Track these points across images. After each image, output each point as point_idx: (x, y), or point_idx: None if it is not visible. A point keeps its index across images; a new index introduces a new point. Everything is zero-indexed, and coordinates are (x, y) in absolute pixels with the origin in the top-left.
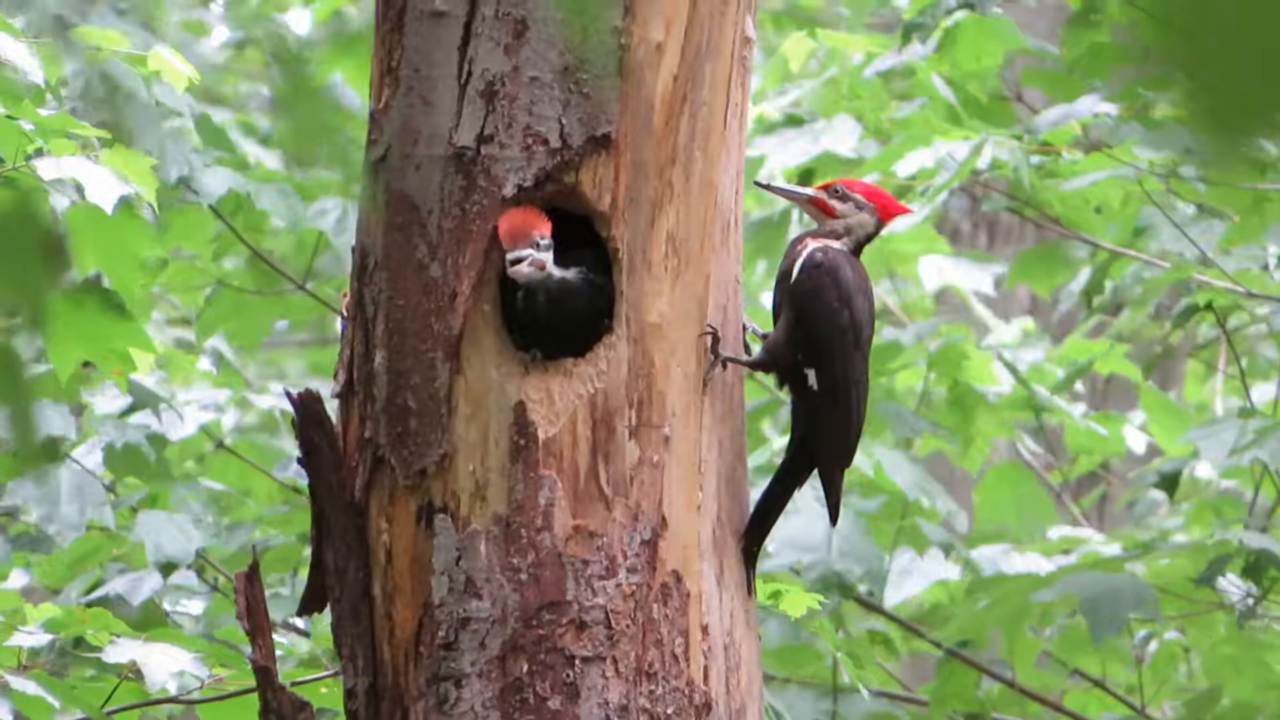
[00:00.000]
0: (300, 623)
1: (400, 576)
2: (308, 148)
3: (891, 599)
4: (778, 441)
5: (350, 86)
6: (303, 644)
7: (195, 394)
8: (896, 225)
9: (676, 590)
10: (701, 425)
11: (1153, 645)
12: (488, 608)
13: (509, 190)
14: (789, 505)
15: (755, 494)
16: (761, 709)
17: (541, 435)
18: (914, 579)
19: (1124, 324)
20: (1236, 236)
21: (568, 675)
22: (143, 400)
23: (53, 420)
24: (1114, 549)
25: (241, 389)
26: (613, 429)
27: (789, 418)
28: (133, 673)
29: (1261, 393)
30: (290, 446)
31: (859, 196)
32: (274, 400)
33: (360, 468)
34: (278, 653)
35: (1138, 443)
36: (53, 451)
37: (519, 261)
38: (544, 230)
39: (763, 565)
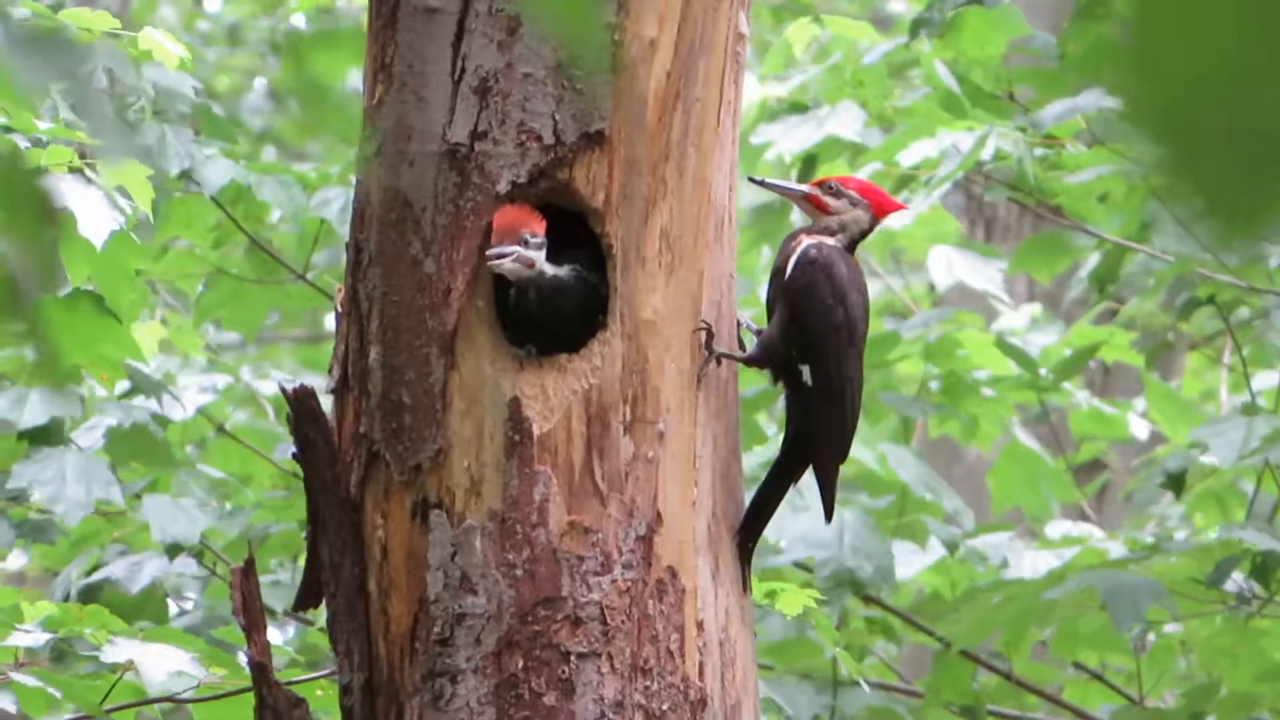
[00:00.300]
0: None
1: (395, 572)
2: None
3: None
4: (774, 437)
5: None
6: (303, 639)
7: (194, 378)
8: (891, 221)
9: (671, 586)
10: (696, 421)
11: (1150, 637)
12: (483, 603)
13: (503, 186)
14: (799, 502)
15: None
16: (757, 705)
17: (536, 431)
18: (909, 564)
19: (1132, 310)
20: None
21: (563, 671)
22: (142, 387)
23: (56, 403)
24: (1117, 547)
25: (235, 373)
26: (607, 425)
27: (783, 412)
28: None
29: (1265, 380)
30: (286, 432)
31: (853, 193)
32: (273, 387)
33: (355, 463)
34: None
35: (1141, 429)
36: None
37: (500, 257)
38: (535, 228)
39: (773, 561)
